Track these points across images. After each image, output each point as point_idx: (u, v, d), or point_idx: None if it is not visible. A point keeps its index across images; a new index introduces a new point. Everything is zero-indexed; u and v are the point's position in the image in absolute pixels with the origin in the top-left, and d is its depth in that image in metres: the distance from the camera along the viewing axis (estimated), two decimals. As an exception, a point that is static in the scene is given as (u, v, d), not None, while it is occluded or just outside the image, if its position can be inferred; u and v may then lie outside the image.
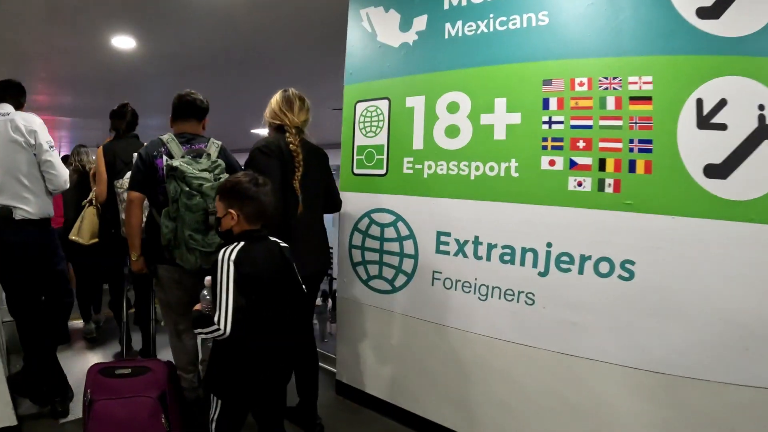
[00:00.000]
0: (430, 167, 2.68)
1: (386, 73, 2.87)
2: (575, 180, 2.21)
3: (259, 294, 1.85)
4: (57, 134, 13.03)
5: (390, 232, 2.87)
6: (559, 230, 2.26)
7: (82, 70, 5.64)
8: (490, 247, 2.47)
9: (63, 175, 2.80)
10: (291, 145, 2.46)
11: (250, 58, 5.04)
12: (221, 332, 1.76)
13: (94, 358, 3.83)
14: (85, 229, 3.78)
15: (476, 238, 2.52)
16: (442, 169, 2.63)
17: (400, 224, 2.82)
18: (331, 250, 2.92)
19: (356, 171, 3.03)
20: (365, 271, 3.02)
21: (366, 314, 3.05)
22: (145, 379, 2.42)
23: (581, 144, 2.20)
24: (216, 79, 5.61)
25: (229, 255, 1.82)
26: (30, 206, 2.71)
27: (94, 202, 3.79)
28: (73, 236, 3.79)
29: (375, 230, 2.94)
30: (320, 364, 3.50)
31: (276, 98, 2.58)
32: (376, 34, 2.92)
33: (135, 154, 2.86)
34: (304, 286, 2.13)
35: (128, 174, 3.05)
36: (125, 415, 2.26)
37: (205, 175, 2.31)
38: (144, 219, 2.68)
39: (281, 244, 2.04)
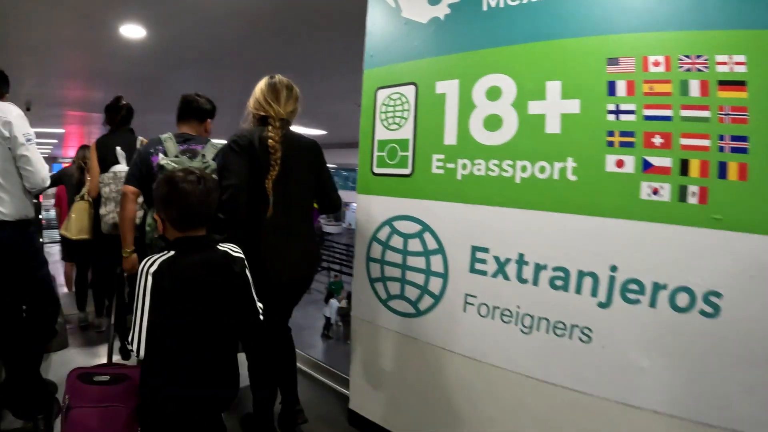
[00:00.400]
0: (464, 167, 2.32)
1: (412, 54, 2.54)
2: (650, 186, 1.83)
3: (183, 313, 1.71)
4: (89, 129, 13.27)
5: (415, 245, 2.54)
6: (628, 251, 1.89)
7: (96, 62, 5.85)
8: (538, 268, 2.11)
9: (41, 171, 2.66)
10: (270, 140, 2.29)
11: (273, 45, 4.91)
12: (133, 353, 1.63)
13: (91, 360, 3.74)
14: (72, 223, 3.95)
15: (521, 256, 2.16)
16: (479, 170, 2.27)
17: (426, 235, 2.49)
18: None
19: (376, 170, 2.72)
20: (384, 289, 2.70)
21: (384, 339, 2.74)
22: (122, 387, 2.27)
23: (658, 140, 1.82)
24: (242, 72, 5.55)
25: (149, 267, 1.67)
26: (4, 206, 2.56)
27: (86, 197, 3.91)
28: (62, 230, 4.05)
29: (397, 241, 2.62)
30: (333, 385, 3.46)
31: (261, 86, 2.43)
32: (400, 9, 2.59)
33: (118, 148, 3.23)
34: (262, 301, 1.98)
35: (113, 168, 3.22)
36: (98, 425, 2.17)
37: None
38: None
39: (232, 254, 1.86)
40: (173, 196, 1.74)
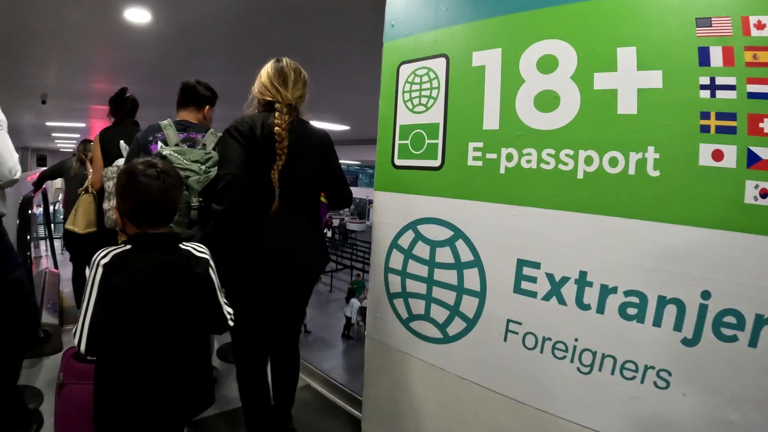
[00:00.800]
0: (509, 157, 1.90)
1: (443, 20, 2.14)
2: (756, 187, 1.41)
3: (134, 312, 1.64)
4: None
5: (444, 255, 2.15)
6: (725, 272, 1.47)
7: (103, 51, 5.85)
8: (605, 291, 1.68)
9: (8, 161, 2.38)
10: (276, 128, 2.18)
11: (292, 30, 4.78)
12: (77, 348, 1.59)
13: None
14: (79, 217, 3.94)
15: (582, 275, 1.73)
16: (529, 161, 1.85)
17: (460, 244, 2.09)
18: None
19: (398, 162, 2.34)
20: (405, 307, 2.32)
21: (403, 367, 2.38)
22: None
23: (767, 125, 1.39)
24: (258, 61, 5.60)
25: (101, 257, 1.63)
26: None
27: (90, 189, 3.94)
28: (68, 225, 4.00)
29: (422, 250, 2.23)
30: (346, 406, 3.20)
31: (267, 70, 2.32)
32: (427, -33, 2.23)
33: (121, 142, 3.14)
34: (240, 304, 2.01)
35: (116, 162, 3.19)
36: (89, 401, 2.09)
37: (194, 167, 2.31)
38: None
39: (195, 255, 1.75)
40: (129, 190, 1.68)
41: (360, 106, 8.51)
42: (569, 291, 1.75)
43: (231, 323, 1.83)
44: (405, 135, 2.28)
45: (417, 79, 2.22)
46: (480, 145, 1.98)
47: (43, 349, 3.56)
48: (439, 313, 2.16)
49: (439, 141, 2.14)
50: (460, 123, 2.08)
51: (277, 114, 2.19)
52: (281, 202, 2.19)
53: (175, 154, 2.29)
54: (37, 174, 5.34)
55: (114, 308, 1.59)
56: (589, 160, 1.68)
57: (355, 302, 13.56)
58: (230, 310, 1.83)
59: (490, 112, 1.94)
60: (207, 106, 2.69)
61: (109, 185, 3.12)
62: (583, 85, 1.70)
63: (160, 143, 2.41)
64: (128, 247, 1.66)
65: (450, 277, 2.12)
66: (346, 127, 12.51)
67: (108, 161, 3.32)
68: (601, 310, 1.67)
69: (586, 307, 1.71)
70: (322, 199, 2.54)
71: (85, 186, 4.02)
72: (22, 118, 13.08)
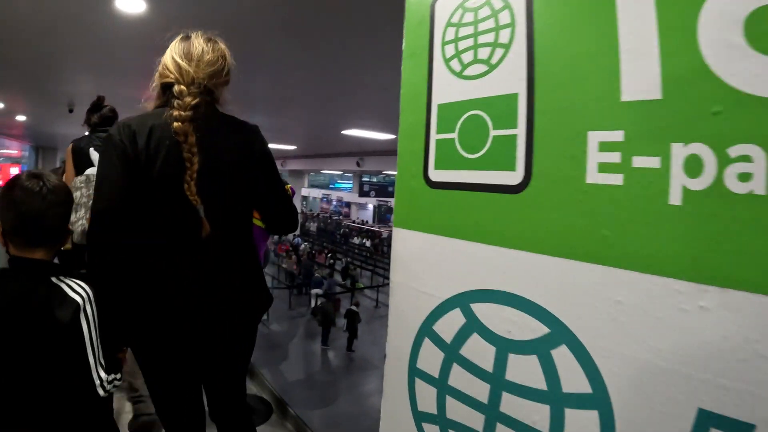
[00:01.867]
0: (693, 166, 0.85)
1: None
2: None
3: None
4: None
5: (527, 370, 1.08)
6: None
7: (106, 49, 5.64)
8: None
9: None
10: (175, 123, 1.64)
11: (322, 22, 4.29)
12: None
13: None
14: None
15: None
16: (746, 178, 0.79)
17: (562, 354, 1.03)
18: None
19: (435, 175, 1.31)
20: None
21: None
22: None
23: None
24: (278, 60, 5.30)
25: None
26: None
27: None
28: None
29: (481, 351, 1.17)
30: None
31: (171, 46, 1.82)
32: None
33: (91, 149, 3.28)
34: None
35: (87, 171, 3.21)
36: None
37: None
38: None
39: (68, 294, 1.52)
40: (5, 202, 1.56)
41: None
42: None
43: (102, 391, 1.58)
44: (448, 123, 1.26)
45: (468, 17, 1.21)
46: (617, 136, 0.92)
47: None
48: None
49: (520, 131, 1.09)
50: (564, 91, 1.02)
51: (175, 102, 1.64)
52: (188, 229, 1.69)
53: None
54: None
55: None
56: None
57: (399, 321, 13.38)
58: (105, 375, 1.57)
59: (636, 64, 0.91)
60: None
61: (76, 196, 3.04)
62: None
63: None
64: None
65: (536, 415, 1.05)
66: (392, 136, 12.07)
67: (80, 172, 3.23)
68: None
69: None
70: (257, 222, 2.04)
71: None
72: (62, 128, 14.11)
